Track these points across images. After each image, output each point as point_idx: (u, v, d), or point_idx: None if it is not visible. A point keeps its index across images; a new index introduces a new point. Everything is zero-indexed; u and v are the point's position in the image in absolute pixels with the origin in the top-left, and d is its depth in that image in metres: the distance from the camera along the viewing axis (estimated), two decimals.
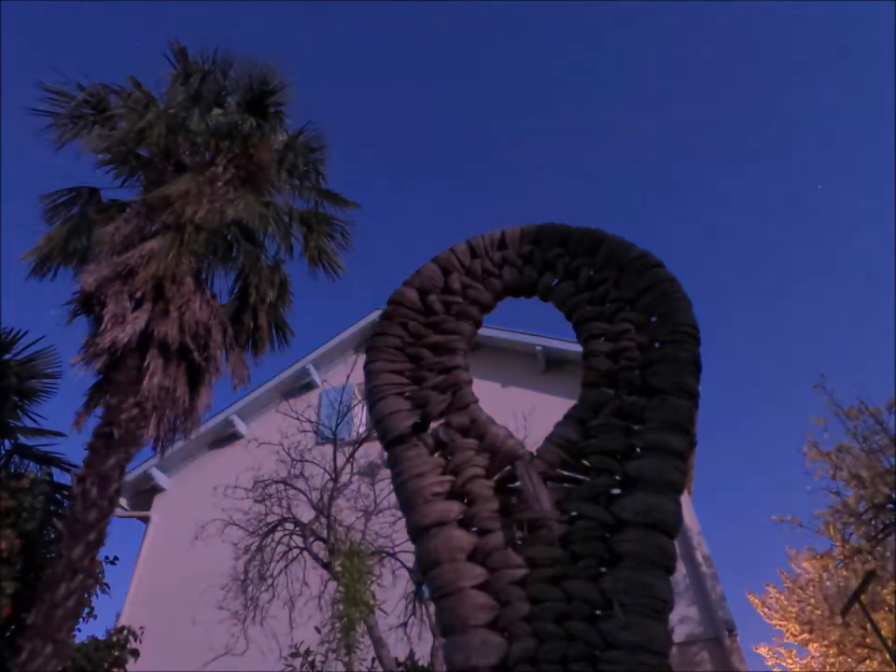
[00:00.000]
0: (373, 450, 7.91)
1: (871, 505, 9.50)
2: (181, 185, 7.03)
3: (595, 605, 0.66)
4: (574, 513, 0.73)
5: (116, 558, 6.95)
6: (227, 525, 7.17)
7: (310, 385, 11.21)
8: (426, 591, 6.17)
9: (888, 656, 9.84)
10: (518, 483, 0.75)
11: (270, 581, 6.83)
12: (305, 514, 6.89)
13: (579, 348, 0.87)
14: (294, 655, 5.50)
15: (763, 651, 14.94)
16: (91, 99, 7.65)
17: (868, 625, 10.38)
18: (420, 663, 6.14)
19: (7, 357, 7.25)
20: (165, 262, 6.52)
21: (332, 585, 5.40)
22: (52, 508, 6.47)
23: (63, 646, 5.00)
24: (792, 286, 37.14)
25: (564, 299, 0.89)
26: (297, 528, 6.87)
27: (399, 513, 5.07)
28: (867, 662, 11.79)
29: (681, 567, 7.76)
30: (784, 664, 14.41)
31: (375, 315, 11.01)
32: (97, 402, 6.52)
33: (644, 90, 30.74)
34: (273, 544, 6.93)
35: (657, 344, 0.80)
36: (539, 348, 10.07)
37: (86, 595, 5.57)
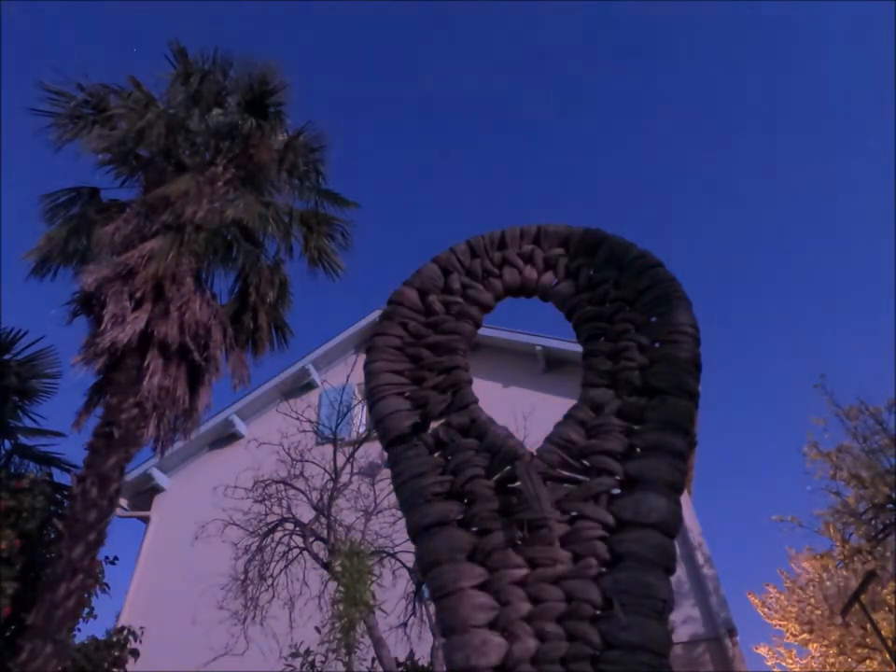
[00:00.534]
0: (373, 450, 7.90)
1: (871, 505, 9.50)
2: (181, 185, 7.03)
3: (594, 605, 0.66)
4: (574, 513, 0.73)
5: (116, 558, 6.95)
6: (227, 525, 7.17)
7: (310, 385, 11.21)
8: (426, 591, 6.17)
9: (888, 656, 9.84)
10: (518, 483, 0.75)
11: (270, 581, 6.83)
12: (305, 514, 6.89)
13: (579, 348, 0.87)
14: (294, 655, 5.50)
15: (763, 651, 14.94)
16: (91, 99, 7.65)
17: (868, 625, 10.38)
18: (420, 663, 6.14)
19: (7, 357, 7.25)
20: (165, 262, 6.52)
21: (332, 585, 5.39)
22: (52, 508, 6.46)
23: (63, 646, 5.01)
24: (792, 285, 37.15)
25: (564, 299, 0.89)
26: (297, 528, 6.87)
27: (399, 513, 5.08)
28: (867, 662, 11.79)
29: (682, 568, 7.76)
30: (784, 664, 14.41)
31: (375, 314, 11.01)
32: (97, 402, 6.52)
33: (644, 89, 30.75)
34: (273, 544, 6.92)
35: (657, 344, 0.80)
36: (538, 348, 10.07)
37: (86, 595, 5.57)
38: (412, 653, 6.20)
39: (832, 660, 12.36)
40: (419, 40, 30.49)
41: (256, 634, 6.85)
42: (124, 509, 10.34)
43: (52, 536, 6.12)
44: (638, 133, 33.44)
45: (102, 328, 6.12)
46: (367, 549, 5.44)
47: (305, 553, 6.66)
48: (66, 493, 6.56)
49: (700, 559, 7.88)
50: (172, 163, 7.71)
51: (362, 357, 0.93)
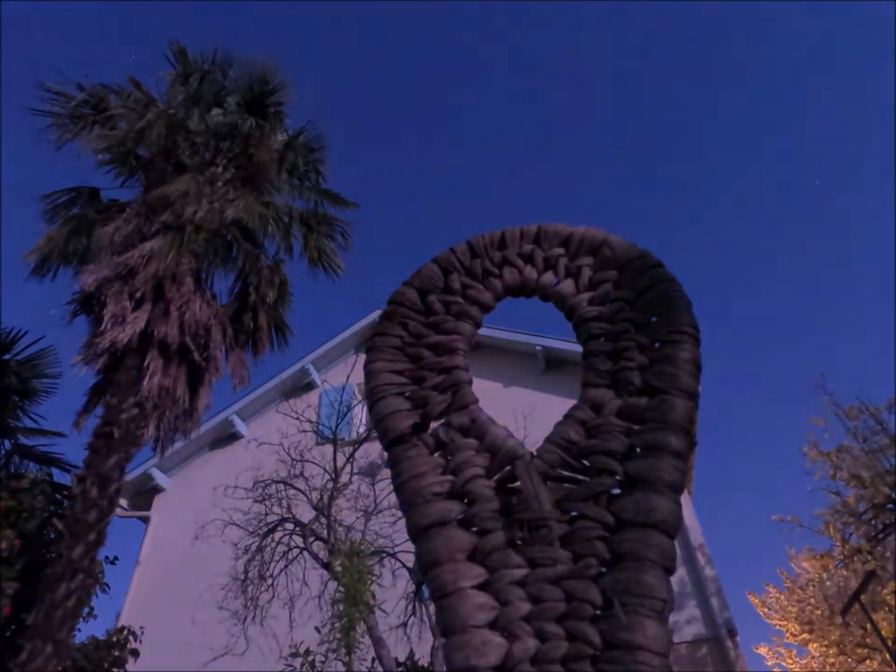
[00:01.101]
0: (373, 450, 7.91)
1: (871, 505, 9.50)
2: (181, 185, 7.03)
3: (594, 605, 0.66)
4: (574, 513, 0.73)
5: (116, 558, 6.95)
6: (227, 525, 7.17)
7: (310, 385, 11.21)
8: (426, 591, 6.17)
9: (888, 656, 9.85)
10: (518, 483, 0.75)
11: (270, 581, 6.83)
12: (305, 514, 6.89)
13: (579, 348, 0.87)
14: (294, 655, 5.50)
15: (763, 651, 14.96)
16: (91, 99, 7.65)
17: (868, 625, 10.39)
18: (420, 663, 6.13)
19: (6, 357, 7.25)
20: (165, 262, 6.52)
21: (332, 585, 5.40)
22: (52, 508, 6.46)
23: (63, 646, 5.00)
24: (793, 285, 37.16)
25: (564, 299, 0.89)
26: (297, 528, 6.87)
27: (399, 513, 5.07)
28: (867, 662, 11.79)
29: (683, 568, 7.76)
30: (784, 664, 14.42)
31: (375, 314, 11.01)
32: (97, 402, 6.52)
33: (642, 90, 30.76)
34: (273, 544, 6.93)
35: (657, 344, 0.80)
36: (538, 348, 10.07)
37: (86, 596, 5.56)
38: (412, 653, 6.20)
39: (832, 660, 12.37)
40: (419, 39, 30.52)
41: (256, 634, 6.85)
42: (124, 509, 10.34)
43: (52, 536, 6.12)
44: (638, 133, 33.47)
45: (102, 328, 6.13)
46: (367, 549, 5.45)
47: (305, 552, 6.66)
48: (66, 493, 6.56)
49: (700, 559, 7.87)
50: (172, 163, 7.71)
51: (362, 357, 0.93)
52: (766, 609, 14.40)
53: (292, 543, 6.92)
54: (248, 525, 7.07)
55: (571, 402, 0.82)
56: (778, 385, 36.08)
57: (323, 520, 6.67)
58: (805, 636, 12.99)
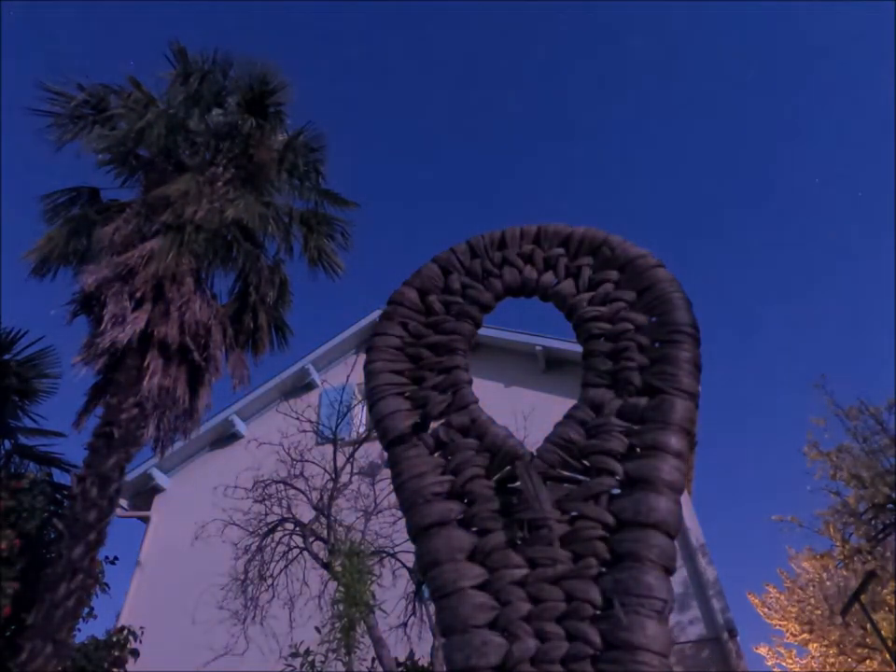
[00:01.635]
0: (373, 450, 7.90)
1: (871, 505, 9.50)
2: (181, 185, 7.04)
3: (595, 605, 0.66)
4: (574, 513, 0.73)
5: (116, 558, 6.96)
6: (227, 525, 7.17)
7: (310, 385, 11.21)
8: (426, 591, 6.17)
9: (888, 656, 9.85)
10: (518, 483, 0.75)
11: (270, 581, 6.83)
12: (305, 514, 6.89)
13: (579, 348, 0.87)
14: (294, 655, 5.50)
15: (763, 651, 14.96)
16: (91, 99, 7.65)
17: (868, 625, 10.39)
18: (420, 663, 6.13)
19: (6, 357, 7.25)
20: (165, 262, 6.52)
21: (332, 585, 5.39)
22: (52, 508, 6.47)
23: (63, 646, 5.01)
24: (793, 285, 37.17)
25: (564, 299, 0.89)
26: (297, 528, 6.87)
27: (399, 513, 5.07)
28: (867, 662, 11.80)
29: (685, 569, 7.76)
30: (784, 664, 14.42)
31: (375, 315, 11.01)
32: (97, 402, 6.53)
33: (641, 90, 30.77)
34: (273, 544, 6.92)
35: (657, 344, 0.80)
36: (538, 348, 10.07)
37: (86, 596, 5.57)
38: (412, 653, 6.20)
39: (832, 660, 12.37)
40: (419, 39, 30.51)
41: (256, 634, 6.85)
42: (124, 509, 10.33)
43: (52, 536, 6.12)
44: (637, 133, 33.46)
45: (102, 328, 6.13)
46: (367, 549, 5.45)
47: (305, 552, 6.66)
48: (66, 493, 6.56)
49: (700, 559, 7.88)
50: (172, 163, 7.72)
51: (362, 357, 0.93)
52: (766, 609, 14.40)
53: (292, 543, 6.92)
54: (248, 525, 7.07)
55: (571, 402, 0.82)
56: (778, 385, 36.08)
57: (323, 520, 6.67)
58: (805, 636, 12.99)
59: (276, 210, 8.09)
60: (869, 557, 9.35)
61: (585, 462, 0.76)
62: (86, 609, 6.08)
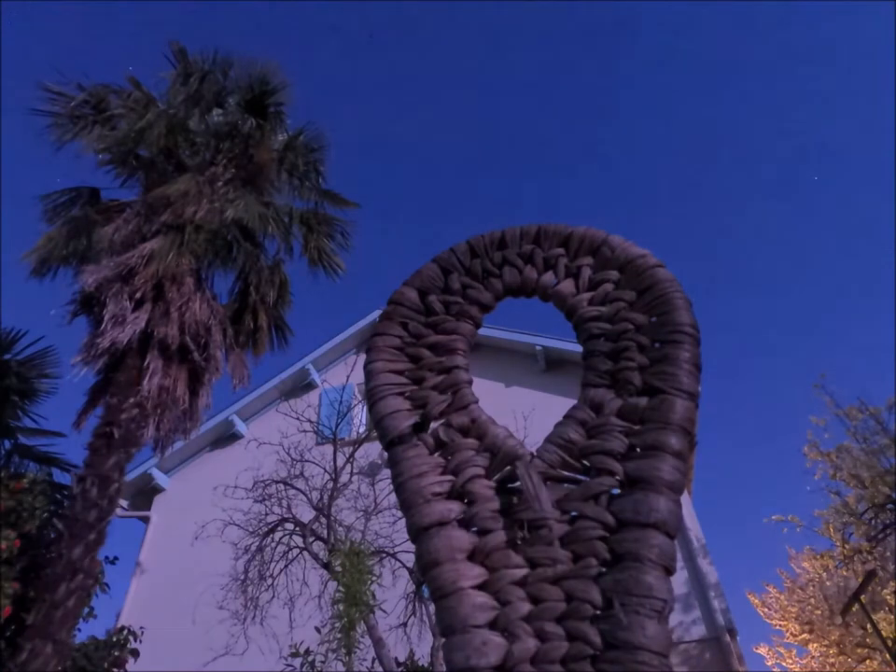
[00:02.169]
0: (373, 450, 7.91)
1: (871, 505, 9.50)
2: (181, 185, 7.03)
3: (595, 605, 0.66)
4: (574, 513, 0.73)
5: (116, 558, 6.95)
6: (227, 525, 7.17)
7: (310, 385, 11.21)
8: (426, 591, 6.17)
9: (888, 656, 9.85)
10: (518, 483, 0.75)
11: (270, 581, 6.83)
12: (305, 514, 6.89)
13: (579, 348, 0.87)
14: (294, 655, 5.50)
15: (763, 651, 14.96)
16: (91, 99, 7.65)
17: (868, 625, 10.39)
18: (420, 663, 6.13)
19: (7, 356, 7.25)
20: (165, 262, 6.52)
21: (332, 585, 5.39)
22: (52, 508, 6.46)
23: (63, 646, 5.00)
24: (793, 284, 37.15)
25: (564, 299, 0.89)
26: (297, 528, 6.87)
27: (399, 513, 5.07)
28: (867, 662, 11.80)
29: (685, 569, 7.76)
30: (784, 664, 14.42)
31: (375, 314, 11.01)
32: (97, 402, 6.52)
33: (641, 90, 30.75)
34: (273, 544, 6.93)
35: (657, 344, 0.80)
36: (538, 348, 10.07)
37: (86, 596, 5.56)
38: (412, 653, 6.20)
39: (832, 660, 12.37)
40: (421, 39, 30.49)
41: (256, 634, 6.85)
42: (124, 509, 10.33)
43: (52, 536, 6.11)
44: (637, 133, 33.45)
45: (102, 328, 6.13)
46: (367, 549, 5.44)
47: (305, 553, 6.66)
48: (66, 493, 6.56)
49: (700, 559, 7.87)
50: (172, 163, 7.71)
51: (362, 357, 0.93)
52: (766, 609, 14.40)
53: (292, 543, 6.92)
54: (248, 525, 7.07)
55: (571, 402, 0.82)
56: (778, 384, 36.06)
57: (323, 520, 6.67)
58: (805, 636, 12.99)
59: (276, 210, 8.08)
60: (869, 557, 9.36)
61: (585, 462, 0.76)
62: (86, 609, 6.07)
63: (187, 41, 7.97)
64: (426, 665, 6.03)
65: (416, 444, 0.82)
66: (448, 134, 32.73)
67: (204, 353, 6.79)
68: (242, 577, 6.86)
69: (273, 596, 6.79)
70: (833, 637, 12.19)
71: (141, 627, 6.83)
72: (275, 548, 6.91)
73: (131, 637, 6.61)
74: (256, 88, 7.79)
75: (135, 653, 6.59)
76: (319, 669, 5.08)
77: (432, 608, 5.40)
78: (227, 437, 11.07)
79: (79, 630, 5.88)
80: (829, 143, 32.85)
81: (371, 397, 0.87)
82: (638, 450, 0.74)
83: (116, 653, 6.37)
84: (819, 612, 12.73)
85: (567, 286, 0.90)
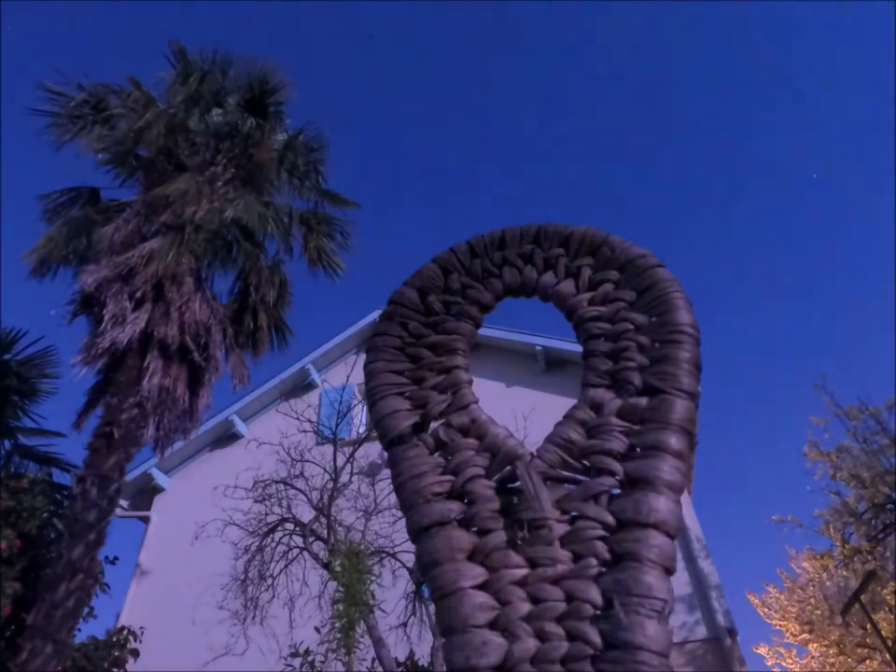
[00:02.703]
0: (373, 450, 7.90)
1: (871, 505, 9.50)
2: (181, 185, 7.03)
3: (595, 605, 0.66)
4: (574, 513, 0.73)
5: (116, 558, 6.96)
6: (227, 525, 7.17)
7: (310, 385, 11.21)
8: (426, 591, 6.17)
9: (888, 656, 9.85)
10: (518, 483, 0.75)
11: (270, 581, 6.83)
12: (305, 514, 6.89)
13: (579, 348, 0.86)
14: (294, 655, 5.50)
15: (762, 651, 14.96)
16: (91, 99, 7.65)
17: (868, 625, 10.39)
18: (420, 663, 6.13)
19: (6, 356, 7.26)
20: (165, 262, 6.52)
21: (332, 585, 5.39)
22: (52, 508, 6.46)
23: (63, 646, 5.00)
24: (793, 284, 37.15)
25: (564, 299, 0.89)
26: (297, 528, 6.87)
27: (399, 513, 5.07)
28: (867, 662, 11.80)
29: (685, 569, 7.76)
30: (784, 664, 14.42)
31: (375, 314, 11.01)
32: (97, 402, 6.53)
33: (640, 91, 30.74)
34: (273, 544, 6.92)
35: (657, 344, 0.80)
36: (538, 348, 10.07)
37: (86, 596, 5.56)
38: (412, 653, 6.20)
39: (832, 660, 12.38)
40: (420, 37, 30.49)
41: (256, 634, 6.85)
42: (124, 509, 10.33)
43: (52, 536, 6.12)
44: (635, 133, 33.46)
45: (102, 328, 6.13)
46: (367, 549, 5.45)
47: (305, 552, 6.66)
48: (66, 493, 6.57)
49: (700, 559, 7.87)
50: (172, 163, 7.71)
51: (362, 357, 0.93)
52: (766, 609, 14.40)
53: (292, 543, 6.92)
54: (248, 525, 7.06)
55: (571, 402, 0.82)
56: (778, 384, 36.07)
57: (323, 520, 6.67)
58: (805, 636, 12.99)
59: (276, 210, 8.08)
60: (869, 557, 9.36)
61: (585, 462, 0.76)
62: (86, 609, 6.08)
63: (187, 41, 7.98)
64: (426, 665, 6.03)
65: (416, 444, 0.82)
66: (448, 134, 32.74)
67: (204, 353, 6.79)
68: (242, 577, 6.85)
69: (273, 596, 6.79)
70: (832, 637, 12.19)
71: (141, 627, 6.83)
72: (275, 548, 6.91)
73: (131, 637, 6.62)
74: (255, 87, 7.79)
75: (135, 653, 6.60)
76: (319, 669, 5.08)
77: (432, 608, 5.40)
78: (227, 437, 11.06)
79: (79, 630, 5.88)
80: (829, 143, 32.84)
81: (371, 397, 0.87)
82: (638, 450, 0.74)
83: (116, 653, 6.37)
84: (819, 612, 12.73)
85: (567, 286, 0.90)
